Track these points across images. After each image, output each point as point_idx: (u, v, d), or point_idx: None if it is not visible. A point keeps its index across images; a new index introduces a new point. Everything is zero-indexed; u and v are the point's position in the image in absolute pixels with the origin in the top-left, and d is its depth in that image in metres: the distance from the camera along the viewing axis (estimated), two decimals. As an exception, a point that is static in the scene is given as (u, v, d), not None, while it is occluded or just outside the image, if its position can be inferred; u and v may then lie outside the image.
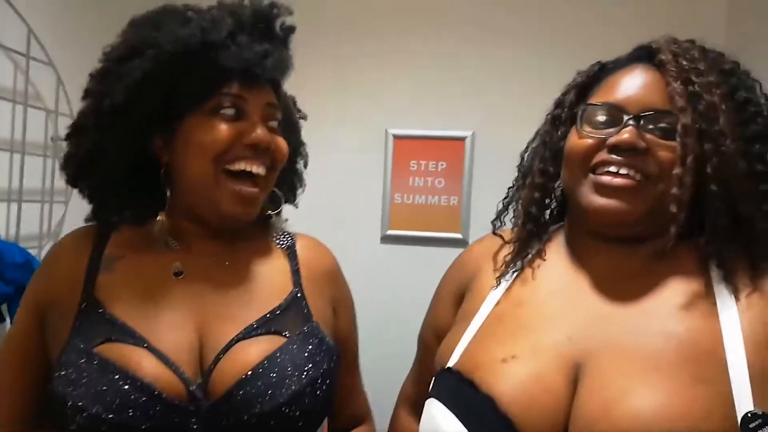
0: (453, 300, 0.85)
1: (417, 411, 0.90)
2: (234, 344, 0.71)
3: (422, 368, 0.91)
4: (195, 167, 0.75)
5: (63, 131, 0.82)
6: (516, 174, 0.86)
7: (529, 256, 0.78)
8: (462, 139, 1.76)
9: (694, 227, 0.68)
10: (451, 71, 1.77)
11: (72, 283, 0.75)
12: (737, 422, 0.56)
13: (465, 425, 0.64)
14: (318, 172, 1.80)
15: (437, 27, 1.78)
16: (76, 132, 0.78)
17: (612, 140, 0.68)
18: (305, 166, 0.98)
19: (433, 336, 0.87)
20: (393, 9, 1.79)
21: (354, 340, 0.95)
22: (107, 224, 0.81)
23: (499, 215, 0.86)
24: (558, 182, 0.79)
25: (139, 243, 0.79)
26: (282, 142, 0.80)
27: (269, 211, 0.85)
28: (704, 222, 0.67)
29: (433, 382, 0.75)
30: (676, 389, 0.59)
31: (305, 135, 1.92)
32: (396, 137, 1.78)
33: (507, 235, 0.83)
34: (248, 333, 0.73)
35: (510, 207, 0.84)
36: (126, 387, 0.65)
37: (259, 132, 0.75)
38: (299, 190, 0.98)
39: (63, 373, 0.68)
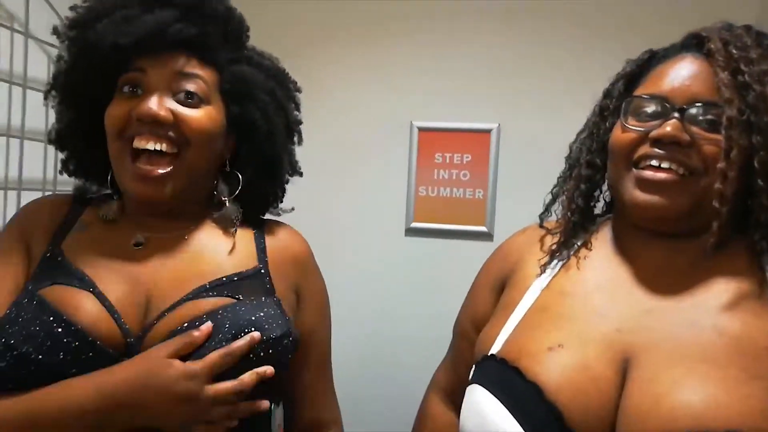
0: (493, 289, 0.85)
1: (449, 399, 0.91)
2: (181, 303, 0.71)
3: (457, 357, 0.91)
4: (110, 149, 0.76)
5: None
6: (558, 166, 0.85)
7: (575, 246, 0.77)
8: (488, 131, 1.74)
9: (746, 223, 0.66)
10: (476, 63, 1.76)
11: (45, 234, 0.77)
12: None
13: (511, 412, 0.64)
14: (342, 165, 1.82)
15: (462, 18, 1.76)
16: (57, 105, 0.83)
17: (654, 133, 0.67)
18: (300, 142, 0.92)
19: (471, 325, 0.87)
20: (419, 1, 1.78)
21: (323, 337, 0.90)
22: (84, 197, 0.84)
23: (548, 207, 0.85)
24: (606, 174, 0.78)
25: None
26: (192, 115, 0.75)
27: (223, 197, 0.83)
28: (752, 218, 0.65)
29: (474, 369, 0.75)
30: (730, 384, 0.58)
31: (330, 130, 1.93)
32: (421, 129, 1.78)
33: (551, 227, 0.82)
34: (198, 294, 0.72)
35: (558, 198, 0.83)
36: (59, 330, 0.65)
37: (144, 105, 0.72)
38: (282, 172, 0.90)
39: (6, 312, 0.68)
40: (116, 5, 0.74)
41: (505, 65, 1.74)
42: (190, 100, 0.75)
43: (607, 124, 0.77)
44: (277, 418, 0.78)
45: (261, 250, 0.83)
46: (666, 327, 0.65)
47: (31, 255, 0.76)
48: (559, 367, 0.65)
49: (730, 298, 0.65)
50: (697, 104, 0.66)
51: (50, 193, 1.28)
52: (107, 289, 0.70)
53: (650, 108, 0.69)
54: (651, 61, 0.76)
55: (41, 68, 1.24)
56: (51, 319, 0.66)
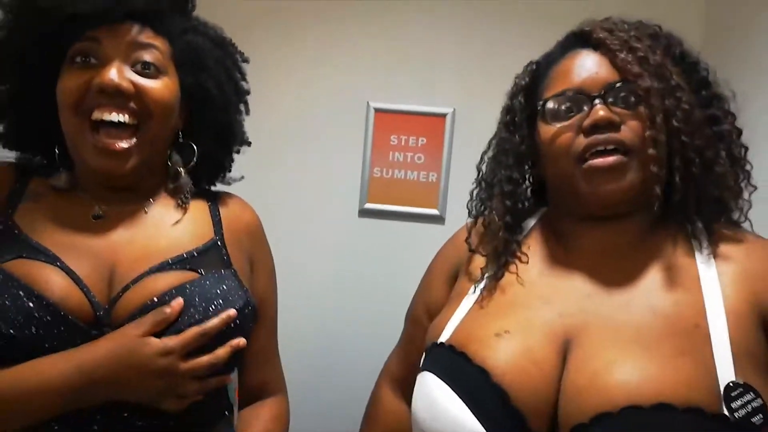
0: (447, 278, 0.87)
1: (400, 388, 0.93)
2: (145, 276, 0.72)
3: (408, 345, 0.93)
4: (64, 122, 0.74)
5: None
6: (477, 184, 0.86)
7: (514, 247, 0.80)
8: (443, 115, 1.76)
9: (679, 205, 0.71)
10: (434, 47, 1.77)
11: None
12: (720, 392, 0.59)
13: (460, 396, 0.66)
14: (297, 142, 1.80)
15: (425, 2, 1.76)
16: None
17: (588, 121, 0.69)
18: (247, 112, 0.92)
19: (425, 313, 0.89)
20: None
21: (272, 303, 0.94)
22: (29, 165, 0.81)
23: (470, 229, 0.86)
24: (525, 185, 0.81)
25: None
26: (152, 85, 0.74)
27: (178, 167, 0.82)
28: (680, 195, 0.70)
29: (424, 356, 0.77)
30: (661, 361, 0.62)
31: (287, 105, 1.90)
32: (377, 110, 1.78)
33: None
34: (161, 268, 0.73)
35: (483, 217, 0.85)
36: (30, 304, 0.65)
37: (106, 75, 0.70)
38: (234, 141, 0.91)
39: None
40: None
41: (463, 51, 1.76)
42: (147, 70, 0.74)
43: (517, 137, 0.80)
44: (234, 384, 0.82)
45: (216, 222, 0.84)
46: (604, 310, 0.69)
47: None
48: (505, 352, 0.68)
49: (665, 276, 0.69)
50: (612, 86, 0.70)
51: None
52: (72, 263, 0.70)
53: (568, 104, 0.72)
54: (540, 68, 0.81)
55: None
56: (21, 293, 0.65)
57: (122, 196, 0.79)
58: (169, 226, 0.80)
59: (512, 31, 1.74)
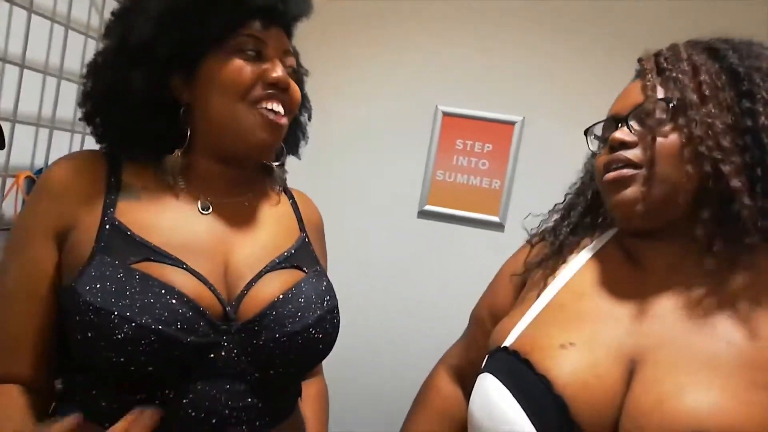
0: (514, 285, 0.89)
1: (457, 376, 0.95)
2: (263, 275, 0.76)
3: (470, 342, 0.95)
4: (219, 105, 0.76)
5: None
6: (576, 166, 0.91)
7: (574, 274, 0.82)
8: (512, 123, 1.75)
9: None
10: (507, 56, 1.76)
11: (90, 204, 0.73)
12: None
13: (518, 401, 0.67)
14: (367, 142, 1.83)
15: (496, 14, 1.75)
16: (95, 70, 0.78)
17: (608, 145, 0.74)
18: (309, 119, 0.97)
19: (489, 314, 0.90)
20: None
21: None
22: (120, 153, 0.79)
23: (537, 242, 0.91)
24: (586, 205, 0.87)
25: (153, 175, 0.78)
26: (297, 89, 0.82)
27: (273, 162, 0.87)
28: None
29: (486, 359, 0.78)
30: (734, 392, 0.59)
31: (359, 109, 1.95)
32: (445, 114, 1.79)
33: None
34: (273, 267, 0.78)
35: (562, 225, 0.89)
36: (173, 301, 0.68)
37: (280, 71, 0.77)
38: (302, 143, 0.98)
39: (98, 285, 0.67)
40: None
41: (533, 61, 1.74)
42: (292, 73, 0.82)
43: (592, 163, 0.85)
44: None
45: (299, 218, 0.90)
46: (674, 332, 0.67)
47: (79, 229, 0.73)
48: (569, 363, 0.67)
49: (739, 305, 0.66)
50: (635, 109, 0.72)
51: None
52: (193, 263, 0.72)
53: (606, 130, 0.78)
54: None
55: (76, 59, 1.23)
56: (163, 291, 0.68)
57: (225, 186, 0.82)
58: (267, 221, 0.84)
59: (581, 45, 1.70)
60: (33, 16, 1.06)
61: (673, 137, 0.68)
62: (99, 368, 0.68)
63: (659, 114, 0.69)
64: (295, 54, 0.87)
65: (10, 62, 1.03)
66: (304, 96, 0.92)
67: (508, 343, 0.75)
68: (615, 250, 0.80)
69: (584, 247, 0.83)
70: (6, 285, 0.73)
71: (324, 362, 0.87)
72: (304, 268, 0.81)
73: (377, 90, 1.84)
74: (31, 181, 1.11)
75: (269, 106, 0.76)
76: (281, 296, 0.75)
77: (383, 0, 1.82)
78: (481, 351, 0.81)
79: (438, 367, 0.99)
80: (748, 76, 0.69)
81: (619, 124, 0.73)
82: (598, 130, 0.81)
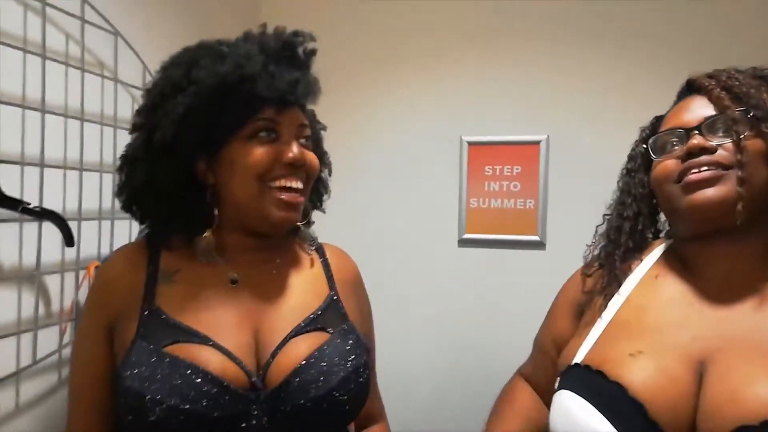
0: (572, 313, 0.93)
1: (532, 385, 1.00)
2: (288, 341, 0.80)
3: (536, 366, 1.00)
4: (241, 187, 0.82)
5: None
6: (605, 175, 0.96)
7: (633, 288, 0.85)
8: (536, 143, 1.79)
9: None
10: (523, 76, 1.81)
11: (133, 294, 0.82)
12: None
13: (597, 408, 0.70)
14: (399, 178, 1.90)
15: (507, 33, 1.82)
16: (128, 163, 0.85)
17: (684, 149, 0.78)
18: (330, 174, 1.02)
19: (551, 343, 0.95)
20: (464, 17, 1.85)
21: (372, 344, 1.01)
22: (158, 241, 0.87)
23: (591, 271, 0.94)
24: (641, 221, 0.91)
25: (189, 256, 0.85)
26: (313, 157, 0.87)
27: (299, 223, 0.91)
28: None
29: (559, 378, 0.81)
30: None
31: (385, 146, 2.02)
32: (470, 144, 1.84)
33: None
34: (298, 331, 0.81)
35: (605, 253, 0.92)
36: (198, 380, 0.72)
37: (295, 151, 0.82)
38: (325, 197, 1.03)
39: (136, 371, 0.74)
40: (265, 62, 0.81)
41: (551, 78, 1.79)
42: (307, 143, 0.88)
43: (636, 179, 0.90)
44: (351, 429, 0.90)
45: (329, 276, 0.94)
46: (737, 331, 0.71)
47: (124, 318, 0.81)
48: (641, 369, 0.71)
49: None
50: (708, 120, 0.78)
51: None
52: (222, 339, 0.78)
53: (673, 139, 0.82)
54: (658, 121, 0.90)
55: (126, 110, 1.34)
56: (189, 372, 0.73)
57: (253, 255, 0.88)
58: (295, 285, 0.88)
59: (602, 57, 1.75)
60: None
61: (758, 142, 0.74)
62: None
63: (743, 122, 0.75)
64: (311, 117, 0.92)
65: (71, 168, 1.13)
66: (322, 153, 0.97)
67: (578, 360, 0.79)
68: (670, 261, 0.85)
69: (638, 264, 0.88)
70: (73, 381, 0.87)
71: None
72: (329, 329, 0.84)
73: (403, 127, 1.91)
74: (100, 269, 1.21)
75: (287, 184, 0.82)
76: (304, 362, 0.78)
77: (398, 38, 1.90)
78: (547, 374, 0.86)
79: (516, 376, 1.05)
80: None
81: (691, 132, 0.78)
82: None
